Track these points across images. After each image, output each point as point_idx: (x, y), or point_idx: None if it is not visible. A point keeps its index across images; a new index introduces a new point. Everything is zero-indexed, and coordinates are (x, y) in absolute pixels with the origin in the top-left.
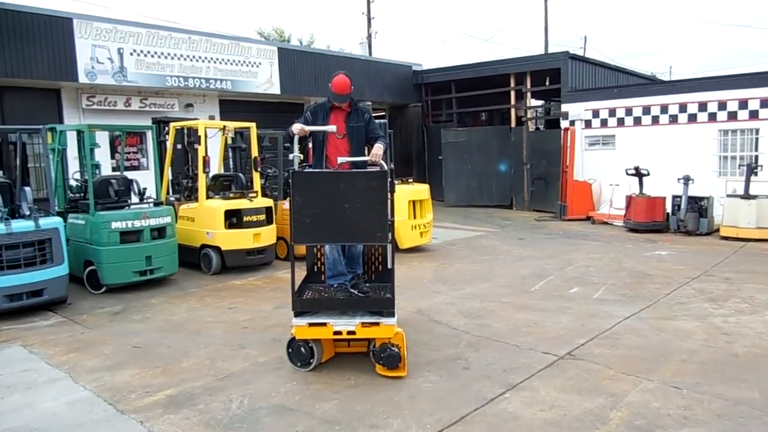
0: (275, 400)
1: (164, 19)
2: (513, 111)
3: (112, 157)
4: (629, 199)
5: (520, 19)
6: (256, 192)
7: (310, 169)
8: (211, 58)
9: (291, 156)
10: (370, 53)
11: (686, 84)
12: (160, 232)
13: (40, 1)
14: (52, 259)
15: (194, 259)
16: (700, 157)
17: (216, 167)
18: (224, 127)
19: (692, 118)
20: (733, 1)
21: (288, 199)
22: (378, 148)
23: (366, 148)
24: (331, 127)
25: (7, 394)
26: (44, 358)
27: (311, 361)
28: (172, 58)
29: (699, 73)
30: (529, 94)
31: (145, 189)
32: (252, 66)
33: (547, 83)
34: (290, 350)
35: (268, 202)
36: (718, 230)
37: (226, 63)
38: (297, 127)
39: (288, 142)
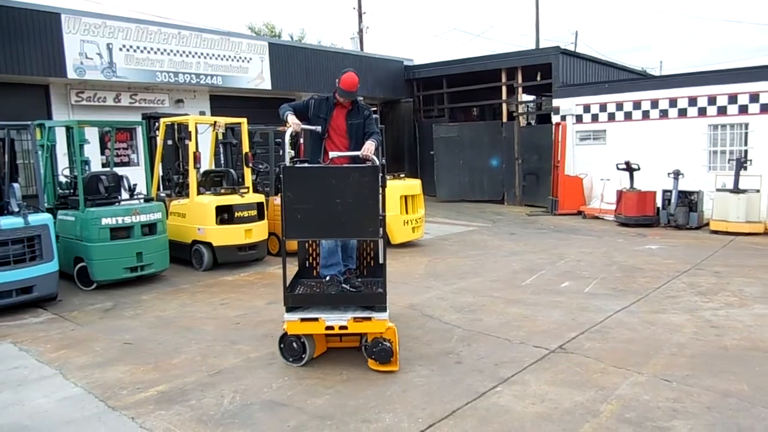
0: (267, 396)
1: (154, 14)
2: (504, 106)
3: (102, 153)
4: (620, 194)
5: (511, 15)
6: (248, 188)
7: (303, 164)
8: (202, 54)
9: (288, 126)
10: (362, 48)
11: (676, 79)
12: (150, 228)
13: None
14: (41, 255)
15: (185, 255)
16: (690, 152)
17: (207, 163)
18: (215, 122)
19: (682, 112)
20: None
21: (279, 194)
22: (369, 144)
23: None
24: (317, 127)
25: None
26: (35, 355)
27: (303, 356)
28: (162, 54)
29: (689, 68)
30: (520, 90)
31: (135, 185)
32: (242, 61)
33: (539, 78)
34: (282, 346)
35: (260, 197)
36: (707, 224)
37: (216, 58)
38: (294, 121)
39: (279, 137)
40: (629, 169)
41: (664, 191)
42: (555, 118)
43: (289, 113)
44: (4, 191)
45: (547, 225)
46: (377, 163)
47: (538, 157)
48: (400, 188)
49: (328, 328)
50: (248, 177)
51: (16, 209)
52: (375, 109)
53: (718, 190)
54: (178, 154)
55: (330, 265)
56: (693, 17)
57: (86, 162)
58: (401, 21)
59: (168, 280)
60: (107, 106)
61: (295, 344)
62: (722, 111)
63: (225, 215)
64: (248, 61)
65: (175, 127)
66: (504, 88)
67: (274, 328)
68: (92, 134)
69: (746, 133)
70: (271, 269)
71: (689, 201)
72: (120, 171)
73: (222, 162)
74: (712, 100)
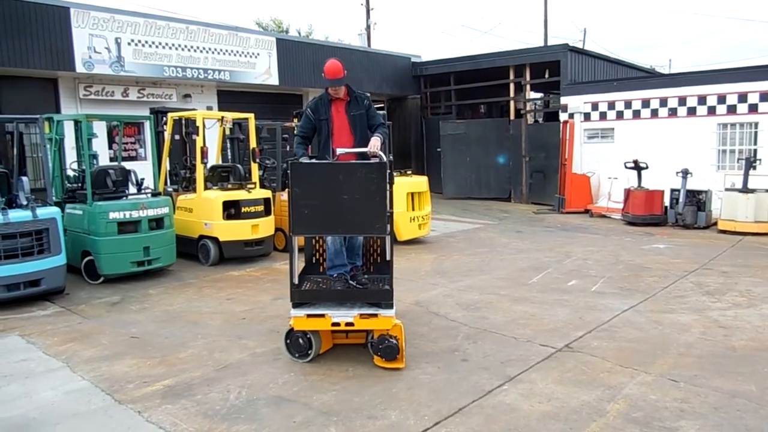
0: (273, 391)
1: (162, 9)
2: (512, 103)
3: (110, 148)
4: (627, 192)
5: (519, 12)
6: (255, 183)
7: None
8: (209, 49)
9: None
10: (369, 44)
11: (685, 77)
12: (158, 222)
13: None
14: (49, 249)
15: (192, 249)
16: (699, 151)
17: (214, 158)
18: (222, 117)
19: (691, 111)
20: None
21: (286, 190)
22: (375, 140)
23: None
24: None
25: (4, 384)
26: (42, 347)
27: (309, 352)
28: (170, 48)
29: (698, 67)
30: (528, 87)
31: (142, 179)
32: (250, 56)
33: (547, 76)
34: (288, 341)
35: (267, 193)
36: (716, 224)
37: (224, 53)
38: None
39: (286, 133)
40: (637, 167)
41: (672, 190)
42: (563, 116)
43: (302, 157)
44: (12, 184)
45: (554, 223)
46: (384, 159)
47: (546, 155)
48: (406, 185)
49: (335, 324)
50: (255, 172)
51: (25, 202)
52: (382, 105)
53: (726, 189)
54: (185, 148)
55: (336, 266)
56: (703, 15)
57: (94, 156)
58: (409, 17)
59: (175, 274)
60: (115, 101)
61: (301, 340)
62: (732, 110)
63: (232, 210)
64: (256, 57)
65: (183, 122)
66: (512, 86)
67: (280, 323)
68: (100, 128)
69: (756, 132)
70: (277, 265)
71: (697, 200)
72: (128, 165)
73: (229, 157)
74: (721, 99)
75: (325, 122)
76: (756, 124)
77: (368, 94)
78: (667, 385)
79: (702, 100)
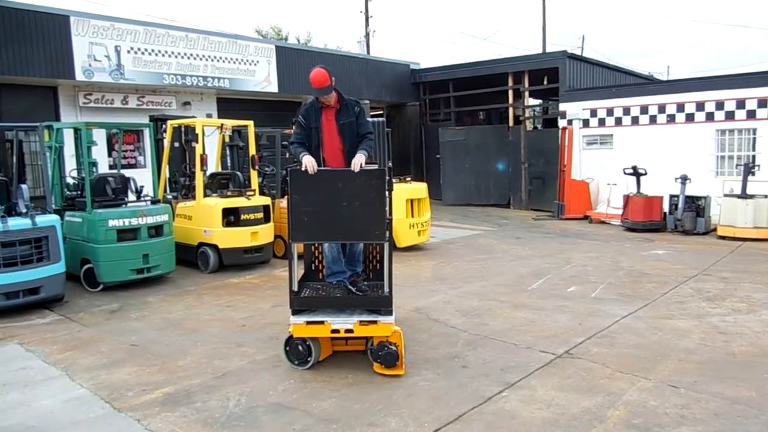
0: (273, 399)
1: (161, 17)
2: (511, 110)
3: (110, 155)
4: (627, 199)
5: (518, 18)
6: (254, 190)
7: None
8: (209, 56)
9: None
10: (368, 52)
11: (684, 84)
12: (157, 230)
13: None
14: (48, 257)
15: (192, 257)
16: (698, 157)
17: (213, 165)
18: (222, 125)
19: (690, 117)
20: (730, 1)
21: (286, 197)
22: (358, 158)
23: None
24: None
25: (3, 393)
26: (41, 356)
27: (309, 359)
28: (170, 56)
29: (696, 73)
30: (527, 94)
31: (142, 187)
32: (250, 64)
33: (545, 82)
34: (288, 348)
35: (266, 200)
36: (715, 230)
37: (223, 61)
38: (309, 162)
39: (285, 140)
40: (636, 173)
41: (671, 196)
42: (561, 123)
43: (303, 154)
44: (12, 192)
45: (554, 229)
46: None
47: (545, 162)
48: (406, 192)
49: (334, 331)
50: (255, 179)
51: (24, 210)
52: (381, 112)
53: (725, 195)
54: (184, 156)
55: (334, 273)
56: (700, 22)
57: (94, 164)
58: (408, 24)
59: (174, 282)
60: (115, 108)
61: (300, 347)
62: (730, 116)
63: (231, 217)
64: (255, 64)
65: (182, 129)
66: (510, 92)
67: (279, 330)
68: (100, 136)
69: (754, 138)
70: (276, 272)
71: (696, 206)
72: (127, 173)
73: (228, 164)
74: (719, 105)
75: (315, 130)
76: (754, 130)
77: (366, 101)
78: (668, 391)
79: (700, 106)
